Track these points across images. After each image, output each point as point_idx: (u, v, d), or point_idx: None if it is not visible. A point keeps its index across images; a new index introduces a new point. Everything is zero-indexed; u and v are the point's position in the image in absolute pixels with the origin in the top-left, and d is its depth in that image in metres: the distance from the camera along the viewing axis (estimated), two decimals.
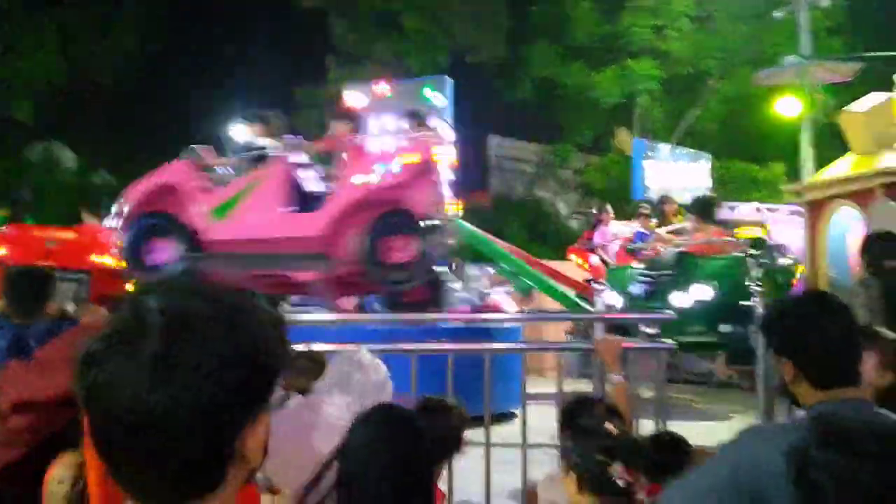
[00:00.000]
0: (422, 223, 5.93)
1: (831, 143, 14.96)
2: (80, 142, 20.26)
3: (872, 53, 11.71)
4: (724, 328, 7.67)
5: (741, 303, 7.52)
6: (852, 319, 2.02)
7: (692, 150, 20.02)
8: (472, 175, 16.81)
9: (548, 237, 21.98)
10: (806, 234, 9.69)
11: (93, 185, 16.95)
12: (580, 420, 2.19)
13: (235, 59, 23.98)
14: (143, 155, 22.01)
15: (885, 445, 1.21)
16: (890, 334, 2.49)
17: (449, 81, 11.31)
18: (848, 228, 9.84)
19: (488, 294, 10.31)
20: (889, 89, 9.61)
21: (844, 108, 9.66)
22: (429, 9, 22.14)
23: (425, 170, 6.02)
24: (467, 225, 9.35)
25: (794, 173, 22.03)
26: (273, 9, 22.97)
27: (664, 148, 19.36)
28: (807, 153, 11.93)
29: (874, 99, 9.67)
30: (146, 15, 21.34)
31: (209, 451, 0.86)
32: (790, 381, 2.01)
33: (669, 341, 3.60)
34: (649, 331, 3.74)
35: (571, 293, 9.10)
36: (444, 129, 10.47)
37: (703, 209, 8.79)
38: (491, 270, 10.96)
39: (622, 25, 21.32)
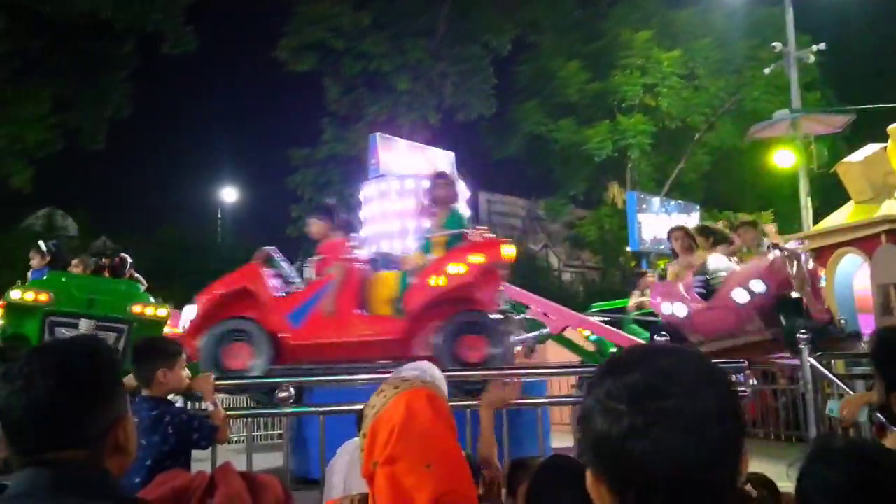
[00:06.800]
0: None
1: (823, 193, 15.51)
2: (77, 208, 20.34)
3: (862, 106, 12.25)
4: None
5: None
6: None
7: (682, 202, 20.52)
8: None
9: (541, 290, 22.22)
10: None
11: (98, 251, 16.91)
12: None
13: (231, 122, 24.33)
14: (139, 221, 22.30)
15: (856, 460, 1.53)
16: None
17: (452, 155, 11.64)
18: (852, 274, 10.15)
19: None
20: (884, 140, 10.04)
21: (843, 160, 10.05)
22: (418, 70, 22.72)
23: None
24: None
25: (779, 221, 22.70)
26: (269, 73, 23.47)
27: (655, 201, 19.81)
28: (804, 203, 12.33)
29: (870, 149, 10.07)
30: (138, 81, 21.60)
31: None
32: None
33: (744, 389, 3.68)
34: None
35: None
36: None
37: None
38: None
39: (613, 84, 22.02)
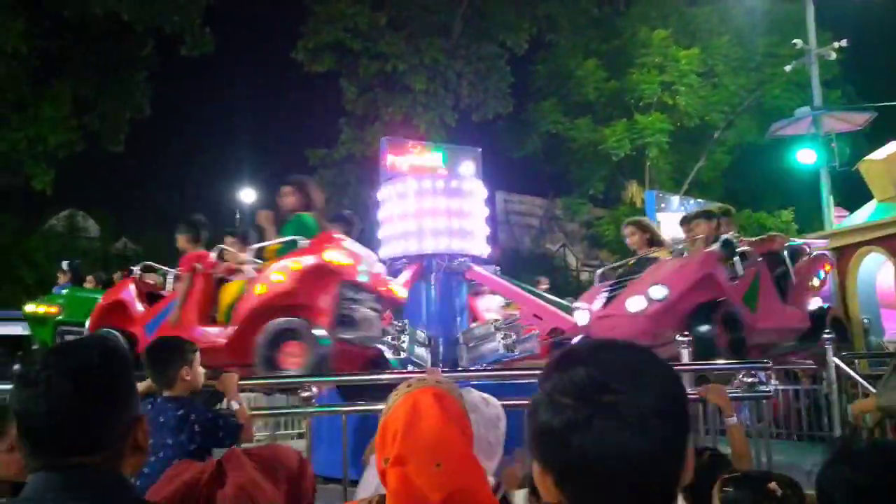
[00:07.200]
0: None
1: (843, 191, 15.35)
2: (97, 209, 20.52)
3: (885, 103, 12.11)
4: None
5: None
6: None
7: (701, 201, 20.34)
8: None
9: (559, 290, 22.15)
10: (836, 280, 9.83)
11: (118, 252, 17.11)
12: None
13: (249, 123, 24.44)
14: (158, 221, 22.46)
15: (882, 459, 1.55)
16: None
17: (477, 151, 11.62)
18: (875, 273, 10.04)
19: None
20: None
21: (865, 157, 9.94)
22: (434, 69, 22.69)
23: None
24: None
25: (800, 219, 22.50)
26: (286, 74, 23.56)
27: (674, 199, 19.65)
28: (826, 201, 12.20)
29: (892, 147, 9.95)
30: (157, 83, 21.69)
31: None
32: None
33: (768, 389, 3.66)
34: (748, 379, 3.74)
35: None
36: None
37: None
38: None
39: (631, 82, 21.91)
